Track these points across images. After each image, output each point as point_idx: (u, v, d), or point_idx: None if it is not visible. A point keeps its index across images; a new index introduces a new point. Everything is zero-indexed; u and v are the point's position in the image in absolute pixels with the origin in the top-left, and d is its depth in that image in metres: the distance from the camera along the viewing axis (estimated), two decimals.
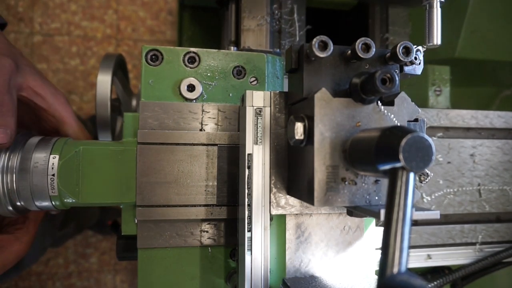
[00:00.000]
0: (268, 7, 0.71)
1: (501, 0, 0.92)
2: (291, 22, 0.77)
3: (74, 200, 0.50)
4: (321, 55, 0.38)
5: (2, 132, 0.49)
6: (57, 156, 0.50)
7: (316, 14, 0.87)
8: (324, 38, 0.39)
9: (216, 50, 0.55)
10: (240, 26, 0.71)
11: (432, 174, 0.63)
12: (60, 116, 0.59)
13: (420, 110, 0.41)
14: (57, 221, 1.02)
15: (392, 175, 0.30)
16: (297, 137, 0.39)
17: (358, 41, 0.39)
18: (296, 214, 0.46)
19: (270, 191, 0.45)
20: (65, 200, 0.50)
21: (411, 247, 0.54)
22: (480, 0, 0.89)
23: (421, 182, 0.48)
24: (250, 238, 0.45)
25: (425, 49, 0.49)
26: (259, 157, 0.45)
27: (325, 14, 0.94)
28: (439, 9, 0.50)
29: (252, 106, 0.46)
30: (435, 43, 0.49)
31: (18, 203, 0.50)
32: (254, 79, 0.56)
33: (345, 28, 1.02)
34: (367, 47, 0.39)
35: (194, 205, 0.52)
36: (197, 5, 1.13)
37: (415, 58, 0.45)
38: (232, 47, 0.71)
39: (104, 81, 0.72)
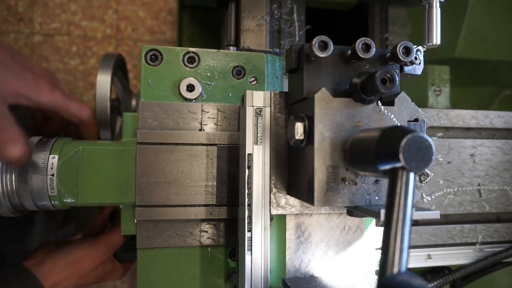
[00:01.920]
0: (267, 7, 0.71)
1: (501, 0, 0.92)
2: (290, 22, 0.77)
3: (73, 200, 0.50)
4: (321, 55, 0.38)
5: (13, 145, 0.45)
6: (57, 156, 0.50)
7: (316, 14, 0.87)
8: (324, 38, 0.38)
9: (216, 50, 0.55)
10: (239, 26, 0.71)
11: (432, 174, 0.63)
12: (51, 107, 0.53)
13: (420, 110, 0.41)
14: (59, 217, 1.02)
15: (392, 175, 0.30)
16: (297, 137, 0.39)
17: (358, 41, 0.39)
18: (296, 214, 0.46)
19: (270, 191, 0.45)
20: (65, 200, 0.50)
21: (411, 247, 0.54)
22: (480, 0, 0.89)
23: (421, 182, 0.48)
24: (250, 238, 0.45)
25: (425, 49, 0.49)
26: (259, 157, 0.45)
27: (325, 14, 0.94)
28: (439, 9, 0.50)
29: (252, 106, 0.45)
30: (434, 43, 0.49)
31: (18, 203, 0.50)
32: (253, 79, 0.56)
33: (344, 28, 1.02)
34: (367, 47, 0.39)
35: (194, 205, 0.52)
36: (197, 5, 1.12)
37: (415, 58, 0.45)
38: (231, 47, 0.71)
39: (104, 81, 0.72)
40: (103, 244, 0.63)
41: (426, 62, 0.53)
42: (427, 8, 0.51)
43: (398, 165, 0.30)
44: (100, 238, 0.64)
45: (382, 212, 0.33)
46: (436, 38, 0.50)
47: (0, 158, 0.47)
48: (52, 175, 0.49)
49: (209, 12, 1.11)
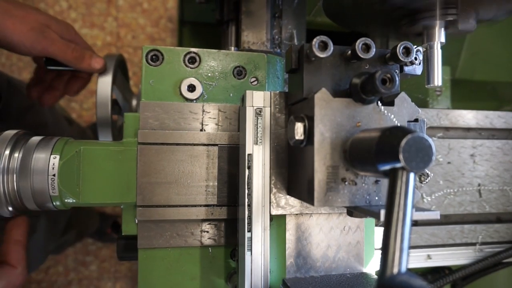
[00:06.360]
0: (268, 34, 0.70)
1: (501, 22, 0.93)
2: None
3: (74, 200, 0.50)
4: (321, 55, 0.38)
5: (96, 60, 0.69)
6: (58, 156, 0.50)
7: (316, 36, 0.87)
8: (324, 38, 0.39)
9: (217, 50, 0.55)
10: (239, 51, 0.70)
11: (432, 174, 0.63)
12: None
13: (420, 110, 0.41)
14: (60, 226, 1.02)
15: (392, 175, 0.30)
16: (297, 137, 0.39)
17: (358, 41, 0.39)
18: (296, 214, 0.46)
19: (270, 191, 0.45)
20: (66, 200, 0.50)
21: (411, 247, 0.54)
22: None
23: (421, 182, 0.48)
24: (250, 238, 0.45)
25: (425, 49, 0.49)
26: (259, 157, 0.45)
27: (325, 35, 0.94)
28: (440, 50, 0.50)
29: (252, 106, 0.46)
30: (435, 84, 0.49)
31: (19, 204, 0.50)
32: (254, 79, 0.56)
33: None
34: (367, 47, 0.39)
35: (195, 205, 0.52)
36: (197, 21, 1.13)
37: (415, 58, 0.45)
38: (232, 47, 0.71)
39: (105, 81, 0.72)
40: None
41: None
42: (428, 48, 0.50)
43: (398, 165, 0.30)
44: None
45: (382, 212, 0.33)
46: (437, 79, 0.49)
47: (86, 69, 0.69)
48: (53, 175, 0.49)
49: (210, 28, 1.11)
